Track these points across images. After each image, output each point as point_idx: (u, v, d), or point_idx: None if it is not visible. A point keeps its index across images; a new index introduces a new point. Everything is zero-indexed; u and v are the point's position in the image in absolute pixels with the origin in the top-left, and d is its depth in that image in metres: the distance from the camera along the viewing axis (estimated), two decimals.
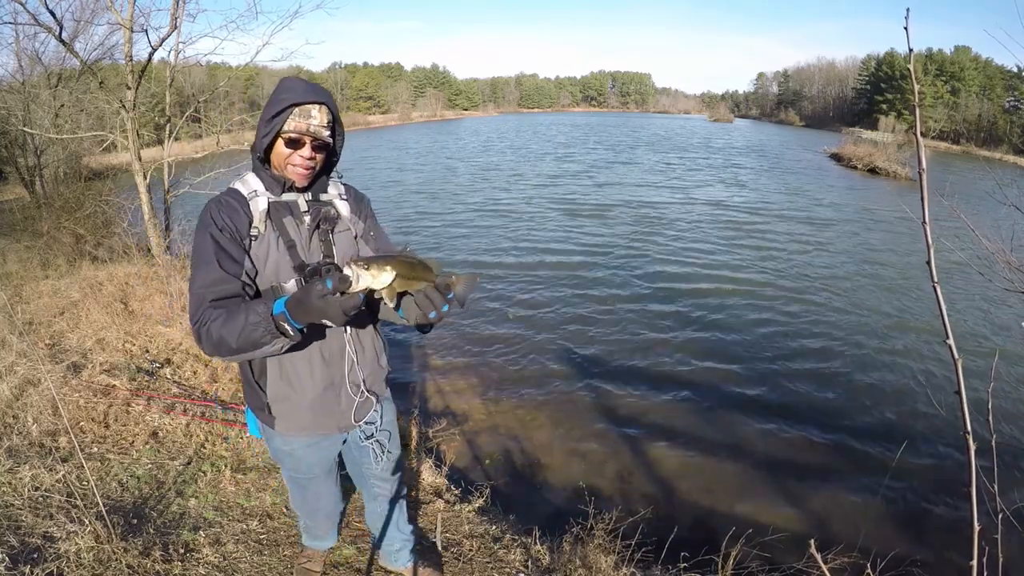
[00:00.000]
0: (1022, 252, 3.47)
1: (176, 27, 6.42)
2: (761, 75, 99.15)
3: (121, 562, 2.08)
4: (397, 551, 2.12)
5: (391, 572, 2.22)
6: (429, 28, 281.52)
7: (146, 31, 6.24)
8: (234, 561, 2.29)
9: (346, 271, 1.13)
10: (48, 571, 1.99)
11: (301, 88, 1.37)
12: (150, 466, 2.91)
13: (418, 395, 5.16)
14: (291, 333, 1.22)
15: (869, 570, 1.49)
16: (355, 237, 1.56)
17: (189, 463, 2.98)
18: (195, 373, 4.15)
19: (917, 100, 0.77)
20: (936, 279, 0.78)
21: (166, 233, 6.95)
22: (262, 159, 1.44)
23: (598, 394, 5.35)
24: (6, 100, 10.10)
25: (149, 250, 6.73)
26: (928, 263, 0.78)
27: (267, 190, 1.44)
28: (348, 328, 1.53)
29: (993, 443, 0.91)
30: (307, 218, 1.46)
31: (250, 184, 1.44)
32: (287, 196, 1.45)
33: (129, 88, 6.32)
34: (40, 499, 2.47)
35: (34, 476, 2.57)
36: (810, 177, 22.18)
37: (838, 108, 68.28)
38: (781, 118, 77.70)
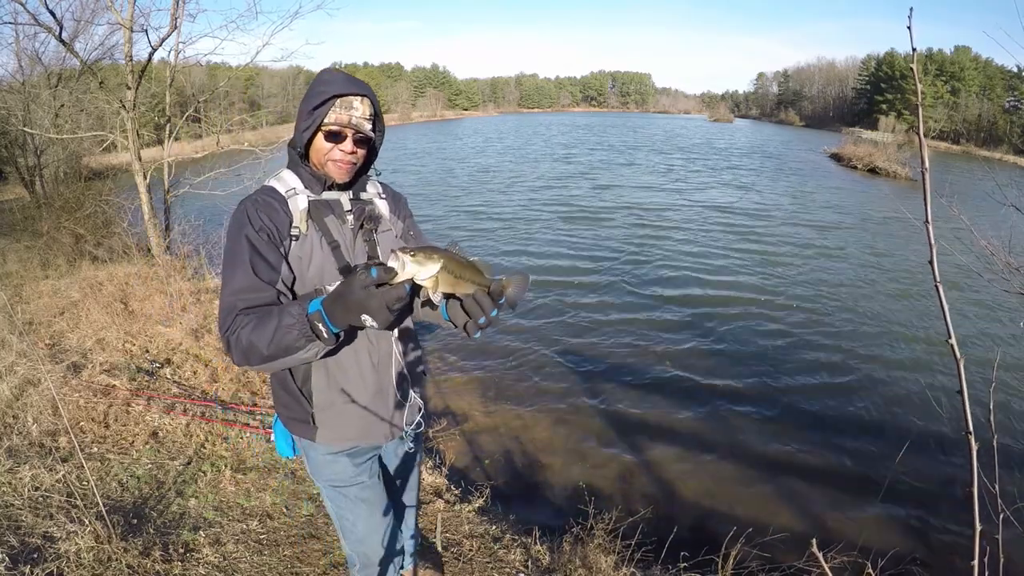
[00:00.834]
0: (1022, 253, 3.47)
1: (176, 27, 6.44)
2: (761, 75, 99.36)
3: (121, 562, 2.08)
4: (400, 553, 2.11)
5: None
6: (429, 28, 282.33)
7: (146, 31, 6.26)
8: (234, 561, 2.29)
9: (391, 261, 1.06)
10: (48, 571, 1.99)
11: (342, 79, 1.30)
12: (150, 466, 2.91)
13: (424, 390, 5.15)
14: (325, 336, 1.13)
15: (870, 569, 1.49)
16: (396, 237, 1.50)
17: (189, 463, 2.98)
18: (195, 373, 4.15)
19: (920, 100, 0.77)
20: (939, 279, 0.78)
21: (166, 233, 6.95)
22: (302, 155, 1.37)
23: (598, 395, 5.35)
24: (6, 100, 10.10)
25: (149, 250, 6.74)
26: (930, 262, 0.78)
27: (306, 188, 1.36)
28: (395, 332, 1.45)
29: (995, 444, 0.91)
30: (350, 218, 1.39)
31: (287, 182, 1.36)
32: (328, 195, 1.38)
33: (129, 88, 6.32)
34: (40, 499, 2.47)
35: (34, 476, 2.57)
36: (810, 177, 22.17)
37: (838, 108, 68.33)
38: (781, 118, 77.73)
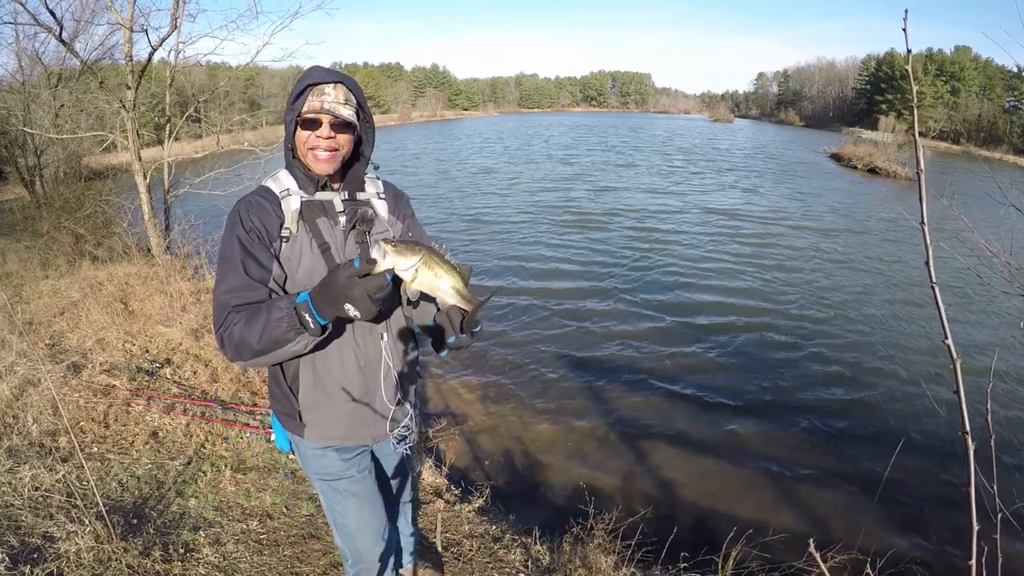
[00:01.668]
0: (1022, 253, 3.47)
1: (176, 27, 6.44)
2: (761, 75, 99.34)
3: (121, 562, 2.09)
4: (399, 551, 2.12)
5: None
6: (429, 28, 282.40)
7: (146, 31, 6.27)
8: (234, 561, 2.29)
9: (373, 251, 1.10)
10: (48, 571, 1.99)
11: (319, 71, 1.32)
12: (150, 466, 2.92)
13: (418, 395, 5.16)
14: (311, 326, 1.17)
15: (869, 569, 1.49)
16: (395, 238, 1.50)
17: (189, 463, 2.98)
18: (195, 373, 4.15)
19: (916, 101, 0.77)
20: (935, 279, 0.78)
21: (166, 233, 6.96)
22: (294, 154, 1.37)
23: (598, 396, 5.36)
24: (6, 100, 10.11)
25: (149, 250, 6.74)
26: (927, 263, 0.78)
27: (300, 188, 1.36)
28: (385, 335, 1.45)
29: (992, 444, 0.91)
30: (342, 219, 1.39)
31: (282, 182, 1.37)
32: (321, 195, 1.37)
33: (129, 88, 6.32)
34: (40, 499, 2.47)
35: (34, 476, 2.58)
36: (810, 178, 22.18)
37: (838, 108, 68.33)
38: (781, 118, 77.74)
